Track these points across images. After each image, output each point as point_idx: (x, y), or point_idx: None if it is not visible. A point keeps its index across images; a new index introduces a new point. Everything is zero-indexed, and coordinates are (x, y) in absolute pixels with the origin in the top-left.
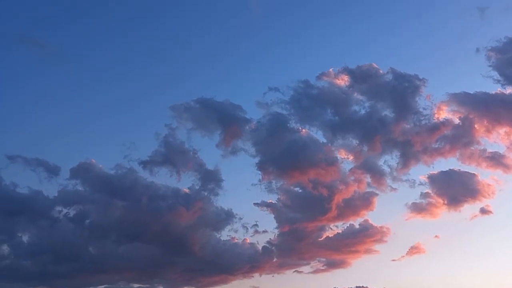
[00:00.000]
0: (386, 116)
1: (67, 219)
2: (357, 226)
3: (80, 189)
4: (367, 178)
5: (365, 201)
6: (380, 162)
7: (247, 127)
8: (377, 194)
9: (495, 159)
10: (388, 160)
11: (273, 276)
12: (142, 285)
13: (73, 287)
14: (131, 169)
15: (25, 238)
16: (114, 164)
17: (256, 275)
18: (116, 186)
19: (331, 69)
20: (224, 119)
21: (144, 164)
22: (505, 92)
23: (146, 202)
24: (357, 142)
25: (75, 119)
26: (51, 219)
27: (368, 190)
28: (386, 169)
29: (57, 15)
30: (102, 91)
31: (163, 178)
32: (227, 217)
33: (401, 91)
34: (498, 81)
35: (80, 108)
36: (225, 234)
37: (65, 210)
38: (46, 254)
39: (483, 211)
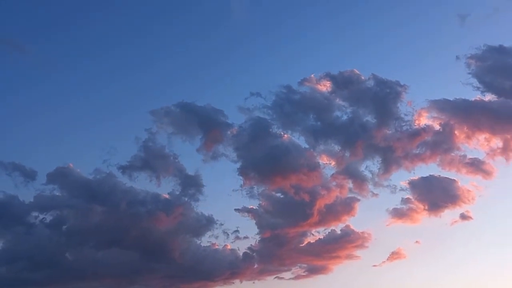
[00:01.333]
0: (367, 122)
1: (43, 224)
2: (339, 232)
3: (58, 194)
4: (349, 184)
5: (346, 206)
6: (362, 168)
7: (229, 132)
8: (358, 200)
9: (475, 165)
10: (370, 166)
11: (253, 282)
12: None
13: None
14: (110, 174)
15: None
16: (93, 169)
17: (237, 281)
18: (94, 191)
19: (312, 75)
20: (205, 124)
21: (123, 169)
22: (484, 99)
23: (125, 207)
24: (339, 147)
25: (53, 124)
26: (27, 225)
27: (349, 195)
28: (368, 174)
29: (38, 21)
30: (81, 96)
31: (143, 183)
32: (208, 223)
33: (383, 97)
34: (478, 88)
35: (59, 112)
36: (205, 240)
37: (41, 216)
38: (22, 261)
39: (463, 216)
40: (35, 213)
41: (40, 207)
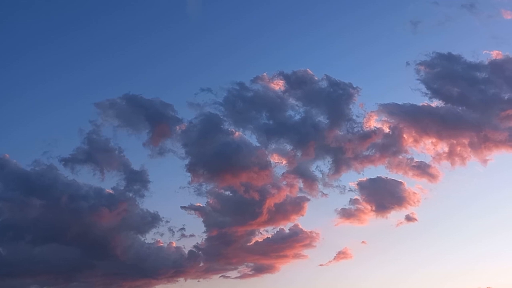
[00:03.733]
0: (320, 122)
1: None
2: (287, 231)
3: None
4: (299, 183)
5: (296, 206)
6: (313, 168)
7: (177, 128)
8: (308, 199)
9: (421, 169)
10: (320, 166)
11: (198, 281)
12: None
13: None
14: (50, 166)
15: None
16: (32, 160)
17: (181, 279)
18: (33, 183)
19: (265, 73)
20: (152, 117)
21: (65, 161)
22: (431, 105)
23: (66, 202)
24: (291, 147)
25: None
26: None
27: (299, 195)
28: (318, 174)
29: None
30: (22, 84)
31: (86, 177)
32: (153, 220)
33: (336, 98)
34: (426, 94)
35: None
36: (150, 237)
37: None
38: None
39: (409, 218)
40: None
41: None
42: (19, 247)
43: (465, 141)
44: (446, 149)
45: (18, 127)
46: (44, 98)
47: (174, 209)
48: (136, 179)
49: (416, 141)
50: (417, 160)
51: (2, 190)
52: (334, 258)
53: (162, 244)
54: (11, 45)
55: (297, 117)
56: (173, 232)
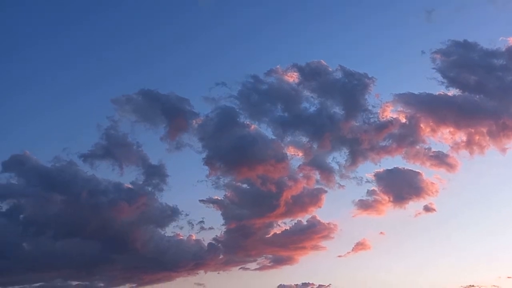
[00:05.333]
0: (335, 114)
1: None
2: (305, 223)
3: (14, 182)
4: (316, 175)
5: (313, 197)
6: (329, 159)
7: (194, 122)
8: (325, 191)
9: (439, 158)
10: (337, 157)
11: (218, 273)
12: (81, 283)
13: (6, 286)
14: (70, 162)
15: None
16: (52, 156)
17: (201, 272)
18: (54, 179)
19: (278, 66)
20: (169, 112)
21: (85, 157)
22: (448, 93)
23: (86, 197)
24: (307, 139)
25: (9, 110)
26: None
27: (316, 186)
28: (335, 166)
29: None
30: (40, 81)
31: (105, 172)
32: (172, 213)
33: (351, 89)
34: (442, 83)
35: (17, 99)
36: (169, 231)
37: None
38: None
39: (427, 208)
40: None
41: None
42: (41, 242)
43: (484, 129)
44: (464, 138)
45: (37, 124)
46: (61, 96)
47: (193, 202)
48: (155, 173)
49: (433, 130)
50: (434, 150)
51: (24, 186)
52: (352, 249)
53: (182, 237)
54: (29, 46)
55: (312, 109)
56: (193, 225)
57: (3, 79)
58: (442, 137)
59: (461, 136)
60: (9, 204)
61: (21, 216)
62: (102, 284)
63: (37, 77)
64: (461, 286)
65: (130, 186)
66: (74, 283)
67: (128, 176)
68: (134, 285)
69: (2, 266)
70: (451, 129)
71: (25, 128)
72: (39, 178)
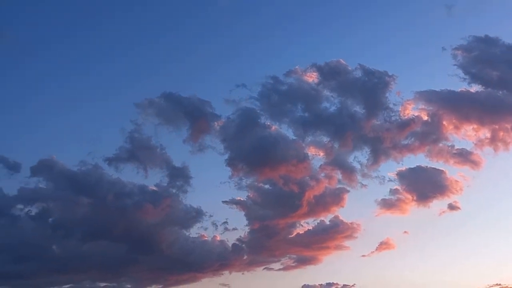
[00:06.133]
0: (356, 113)
1: (28, 217)
2: (328, 223)
3: (42, 186)
4: (338, 175)
5: (335, 197)
6: (351, 159)
7: (216, 124)
8: (348, 191)
9: (463, 156)
10: (358, 157)
11: (243, 273)
12: (108, 284)
13: (37, 287)
14: (95, 165)
15: None
16: (77, 161)
17: (226, 272)
18: (80, 183)
19: (297, 66)
20: (191, 114)
21: (110, 160)
22: (470, 90)
23: (112, 199)
24: (328, 138)
25: (36, 115)
26: (12, 217)
27: (338, 186)
28: (357, 165)
29: (19, 5)
30: (64, 87)
31: (129, 175)
32: (197, 214)
33: (371, 87)
34: (464, 79)
35: (42, 103)
36: (194, 232)
37: (26, 208)
38: (7, 253)
39: (451, 207)
40: (20, 206)
41: (24, 199)
42: (70, 244)
43: (508, 125)
44: (488, 134)
45: (63, 129)
46: (85, 101)
47: (216, 203)
48: (178, 175)
49: (456, 128)
50: (458, 147)
51: (52, 190)
52: (376, 249)
53: (206, 238)
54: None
55: (333, 108)
56: (217, 226)
57: (30, 87)
58: (466, 134)
59: (485, 133)
60: (38, 208)
61: (50, 219)
62: (129, 286)
63: (61, 83)
64: (488, 285)
65: (154, 188)
66: (102, 284)
67: (153, 179)
68: (160, 286)
69: (33, 268)
70: (475, 126)
71: (52, 133)
72: (66, 182)
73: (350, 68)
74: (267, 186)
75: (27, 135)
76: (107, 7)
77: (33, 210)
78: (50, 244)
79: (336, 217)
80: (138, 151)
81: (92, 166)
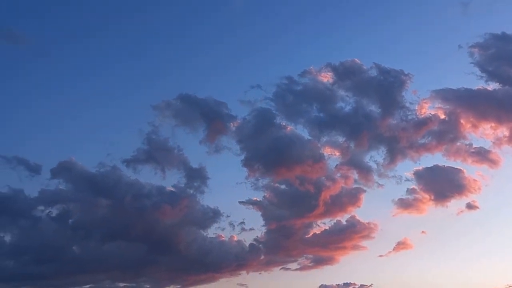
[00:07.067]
0: (372, 112)
1: (49, 218)
2: (344, 223)
3: (63, 188)
4: (354, 175)
5: (352, 197)
6: (367, 158)
7: (232, 125)
8: (364, 190)
9: (481, 155)
10: (375, 156)
11: (260, 273)
12: (127, 284)
13: (58, 287)
14: (114, 167)
15: (7, 238)
16: (96, 162)
17: (243, 272)
18: (99, 184)
19: (312, 67)
20: (207, 116)
21: (128, 162)
22: (488, 88)
23: (130, 201)
24: (343, 138)
25: (55, 117)
26: (33, 219)
27: (355, 186)
28: (373, 165)
29: (35, 6)
30: (82, 89)
31: (147, 176)
32: (214, 215)
33: (387, 86)
34: (481, 77)
35: (61, 105)
36: (211, 232)
37: (47, 210)
38: (29, 254)
39: (470, 206)
40: (41, 207)
41: (45, 201)
42: (90, 245)
43: None
44: (506, 133)
45: (81, 131)
46: (103, 103)
47: (233, 204)
48: (196, 176)
49: (474, 126)
50: (476, 146)
51: (72, 192)
52: (393, 249)
53: (223, 238)
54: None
55: (348, 108)
56: (234, 226)
57: (48, 89)
58: (484, 133)
59: (503, 131)
60: (59, 209)
61: (70, 220)
62: (148, 286)
63: (79, 86)
64: (507, 285)
65: (172, 189)
66: (122, 284)
67: (170, 180)
68: (178, 286)
69: (54, 268)
70: (493, 124)
71: (70, 135)
72: (86, 183)
73: (365, 68)
74: (283, 187)
75: (46, 137)
76: (123, 9)
77: (54, 211)
78: (70, 245)
79: (353, 217)
80: (155, 153)
81: (111, 168)
